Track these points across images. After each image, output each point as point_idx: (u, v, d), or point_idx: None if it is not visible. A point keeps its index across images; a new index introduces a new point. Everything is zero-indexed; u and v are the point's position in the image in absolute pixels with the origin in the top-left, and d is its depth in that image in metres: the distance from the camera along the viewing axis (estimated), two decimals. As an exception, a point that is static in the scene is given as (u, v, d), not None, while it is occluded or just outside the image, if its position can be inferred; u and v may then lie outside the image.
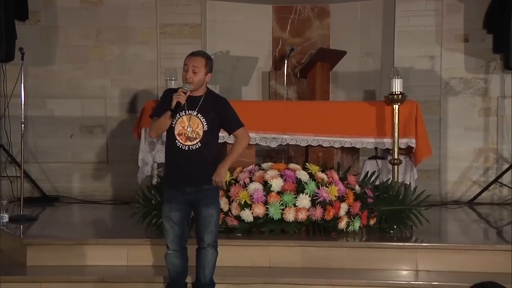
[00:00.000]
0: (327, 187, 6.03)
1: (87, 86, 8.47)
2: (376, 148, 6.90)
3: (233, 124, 5.04)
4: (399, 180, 6.51)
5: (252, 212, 5.95)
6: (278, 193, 5.97)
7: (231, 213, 5.99)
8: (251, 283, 5.45)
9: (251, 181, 6.04)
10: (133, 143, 7.33)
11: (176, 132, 4.94)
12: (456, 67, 8.40)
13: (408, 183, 6.76)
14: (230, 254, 5.61)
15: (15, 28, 8.04)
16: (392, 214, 6.21)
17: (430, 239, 6.09)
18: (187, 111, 4.93)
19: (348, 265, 5.70)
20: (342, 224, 6.03)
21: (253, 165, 6.23)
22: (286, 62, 8.34)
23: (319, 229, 5.98)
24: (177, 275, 5.11)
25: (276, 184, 6.00)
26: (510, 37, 7.74)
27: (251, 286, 5.45)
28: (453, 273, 5.61)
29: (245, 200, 5.96)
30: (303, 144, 6.65)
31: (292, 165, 6.20)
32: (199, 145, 4.92)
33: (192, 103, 4.93)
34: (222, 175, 4.97)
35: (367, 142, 6.63)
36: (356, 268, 5.67)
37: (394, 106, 6.41)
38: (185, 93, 4.88)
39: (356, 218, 6.09)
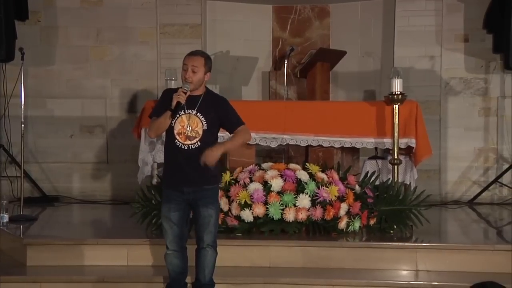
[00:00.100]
0: (327, 187, 6.03)
1: (87, 86, 8.47)
2: (376, 148, 6.90)
3: (234, 123, 5.03)
4: (399, 180, 6.51)
5: (252, 212, 5.95)
6: (278, 193, 5.97)
7: (231, 213, 5.99)
8: (251, 283, 5.45)
9: (251, 181, 6.04)
10: (133, 143, 7.32)
11: (175, 132, 4.93)
12: (456, 67, 8.40)
13: (408, 183, 6.76)
14: (230, 254, 5.61)
15: (15, 28, 8.04)
16: (392, 214, 6.21)
17: (430, 239, 6.09)
18: (186, 110, 4.93)
19: (348, 265, 5.70)
20: (342, 224, 6.03)
21: (253, 165, 6.24)
22: (286, 62, 8.34)
23: (319, 229, 5.98)
24: (177, 275, 5.11)
25: (276, 184, 6.00)
26: (510, 37, 7.74)
27: (251, 286, 5.45)
28: (453, 273, 5.61)
29: (245, 200, 5.96)
30: (303, 144, 6.65)
31: (292, 165, 6.21)
32: (199, 144, 4.91)
33: (191, 102, 4.93)
34: (211, 155, 4.82)
35: (367, 142, 6.63)
36: (356, 268, 5.67)
37: (394, 106, 6.41)
38: (185, 93, 4.88)
39: (356, 218, 6.09)
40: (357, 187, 6.23)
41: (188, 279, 5.21)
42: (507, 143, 8.33)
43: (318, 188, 6.01)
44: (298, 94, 8.61)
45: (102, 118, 8.47)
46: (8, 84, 7.99)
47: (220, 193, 5.84)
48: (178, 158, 4.95)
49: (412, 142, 6.55)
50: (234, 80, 8.82)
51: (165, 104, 4.94)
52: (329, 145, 6.61)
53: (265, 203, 5.94)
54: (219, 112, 4.98)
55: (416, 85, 8.20)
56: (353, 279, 5.46)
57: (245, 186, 6.01)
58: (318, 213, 5.96)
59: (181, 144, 4.93)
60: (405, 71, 7.31)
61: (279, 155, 7.97)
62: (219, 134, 5.10)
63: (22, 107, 7.20)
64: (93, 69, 8.49)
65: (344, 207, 6.03)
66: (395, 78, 6.44)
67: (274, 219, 5.95)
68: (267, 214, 5.95)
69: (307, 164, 6.24)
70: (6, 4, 7.73)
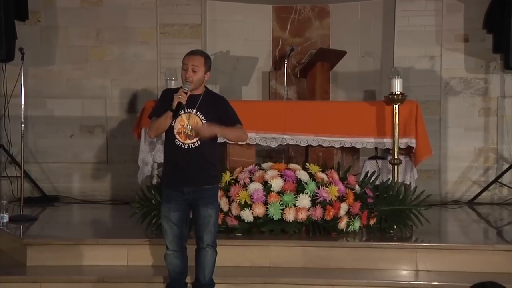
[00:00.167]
0: (327, 187, 6.03)
1: (87, 86, 8.47)
2: (376, 148, 6.90)
3: (233, 122, 5.02)
4: (399, 180, 6.51)
5: (252, 212, 5.95)
6: (278, 193, 5.97)
7: (231, 213, 5.99)
8: (251, 283, 5.45)
9: (251, 181, 6.04)
10: (133, 143, 7.32)
11: (175, 131, 4.93)
12: (456, 67, 8.40)
13: (408, 183, 6.75)
14: (230, 254, 5.61)
15: (15, 28, 8.04)
16: (392, 214, 6.21)
17: (430, 239, 6.09)
18: (186, 110, 4.93)
19: (348, 265, 5.70)
20: (342, 224, 6.03)
21: (253, 165, 6.24)
22: (286, 62, 8.34)
23: (319, 229, 5.98)
24: (177, 275, 5.11)
25: (276, 184, 6.00)
26: (510, 37, 7.74)
27: (251, 286, 5.45)
28: (453, 273, 5.61)
29: (245, 200, 5.96)
30: (303, 144, 6.64)
31: (292, 165, 6.20)
32: (199, 143, 4.92)
33: (191, 101, 4.92)
34: (208, 129, 4.85)
35: (367, 142, 6.63)
36: (356, 268, 5.67)
37: (394, 106, 6.40)
38: (186, 93, 4.88)
39: (356, 218, 6.09)
40: (357, 187, 6.23)
41: (188, 279, 5.21)
42: (507, 143, 8.33)
43: (318, 188, 6.01)
44: (298, 94, 8.61)
45: (102, 118, 8.47)
46: (8, 84, 7.99)
47: (220, 193, 5.85)
48: (178, 158, 4.95)
49: (412, 142, 6.54)
50: (234, 80, 8.82)
51: (165, 104, 4.94)
52: (329, 145, 6.61)
53: (265, 203, 5.94)
54: (219, 111, 4.99)
55: (416, 85, 8.20)
56: (353, 279, 5.46)
57: (245, 186, 6.01)
58: (318, 213, 5.96)
59: (181, 143, 4.93)
60: (405, 71, 7.31)
61: (279, 155, 7.97)
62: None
63: (22, 107, 7.20)
64: (93, 69, 8.49)
65: (344, 207, 6.03)
66: (395, 78, 6.44)
67: (274, 219, 5.94)
68: (267, 214, 5.95)
69: (307, 164, 6.24)
70: (6, 4, 7.73)
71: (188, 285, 5.22)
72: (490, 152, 8.38)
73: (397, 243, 5.93)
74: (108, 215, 7.72)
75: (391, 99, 6.43)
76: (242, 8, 8.80)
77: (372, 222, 6.22)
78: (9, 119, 8.10)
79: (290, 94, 8.52)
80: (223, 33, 8.77)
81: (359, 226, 6.13)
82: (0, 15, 7.60)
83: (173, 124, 4.93)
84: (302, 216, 5.95)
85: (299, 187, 6.00)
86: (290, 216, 5.94)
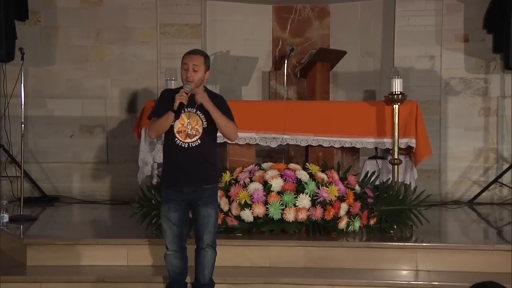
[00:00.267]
0: (327, 187, 6.03)
1: (87, 86, 8.47)
2: (376, 148, 6.90)
3: (228, 118, 5.00)
4: (399, 180, 6.51)
5: (252, 212, 5.94)
6: (278, 193, 5.97)
7: (231, 213, 5.99)
8: (251, 283, 5.45)
9: (251, 181, 6.04)
10: (133, 143, 7.32)
11: (175, 130, 4.93)
12: (456, 67, 8.40)
13: (408, 183, 6.75)
14: (230, 254, 5.61)
15: (15, 28, 8.04)
16: (392, 214, 6.21)
17: (430, 239, 6.09)
18: (186, 109, 4.93)
19: (348, 265, 5.70)
20: (342, 224, 6.03)
21: (253, 165, 6.23)
22: (286, 62, 8.33)
23: (319, 229, 5.98)
24: (176, 275, 5.11)
25: (276, 184, 6.00)
26: (510, 37, 7.74)
27: (251, 286, 5.45)
28: (453, 273, 5.61)
29: (245, 200, 5.96)
30: (303, 144, 6.64)
31: (292, 165, 6.20)
32: (199, 142, 4.92)
33: (191, 101, 4.92)
34: (204, 96, 4.87)
35: (367, 142, 6.63)
36: (356, 268, 5.67)
37: (394, 106, 6.40)
38: (187, 93, 4.88)
39: (356, 218, 6.09)
40: (357, 187, 6.23)
41: (188, 279, 5.21)
42: (507, 143, 8.32)
43: (318, 188, 6.01)
44: (298, 94, 8.60)
45: (102, 118, 8.46)
46: (8, 84, 7.99)
47: (220, 193, 5.85)
48: (178, 157, 4.95)
49: (412, 142, 6.54)
50: (234, 80, 8.82)
51: (164, 104, 4.94)
52: (329, 145, 6.60)
53: (265, 203, 5.94)
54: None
55: (416, 85, 8.20)
56: (353, 279, 5.46)
57: (245, 186, 6.01)
58: (318, 213, 5.96)
59: (181, 142, 4.93)
60: (405, 71, 7.31)
61: (279, 155, 7.97)
62: (218, 134, 5.09)
63: (22, 107, 7.21)
64: (93, 69, 8.48)
65: (344, 207, 6.03)
66: (395, 78, 6.44)
67: (274, 219, 5.94)
68: (267, 214, 5.94)
69: (307, 164, 6.24)
70: (6, 4, 7.73)
71: (188, 285, 5.21)
72: (490, 152, 8.38)
73: (397, 243, 5.93)
74: (108, 215, 7.73)
75: (391, 99, 6.43)
76: (242, 8, 8.80)
77: (372, 222, 6.22)
78: (9, 119, 8.10)
79: (290, 94, 8.51)
80: (223, 33, 8.77)
81: (359, 226, 6.12)
82: (0, 15, 7.60)
83: (173, 124, 4.93)
84: (302, 216, 5.95)
85: (299, 187, 6.00)
86: (290, 216, 5.94)
